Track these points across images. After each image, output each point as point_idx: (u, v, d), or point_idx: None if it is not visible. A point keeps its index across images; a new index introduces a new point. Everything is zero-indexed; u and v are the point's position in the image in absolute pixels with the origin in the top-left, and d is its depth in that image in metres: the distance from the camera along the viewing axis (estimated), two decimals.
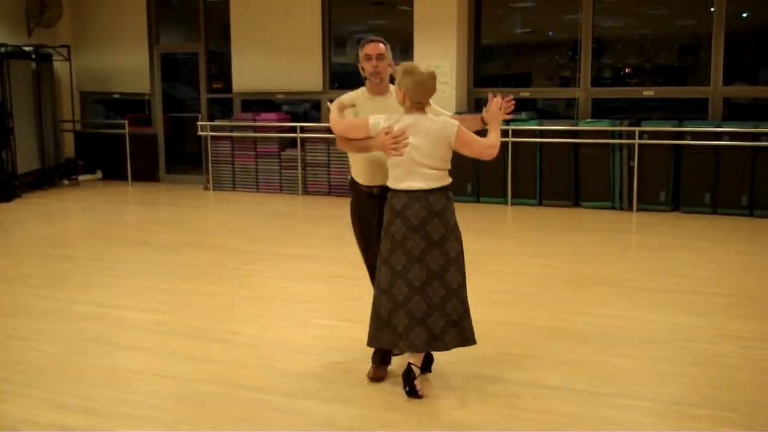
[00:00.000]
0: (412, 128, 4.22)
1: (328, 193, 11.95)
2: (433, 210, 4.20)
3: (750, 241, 8.51)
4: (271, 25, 12.55)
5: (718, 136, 9.75)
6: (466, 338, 4.29)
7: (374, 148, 4.36)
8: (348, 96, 4.64)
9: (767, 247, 8.41)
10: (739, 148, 9.65)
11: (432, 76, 4.24)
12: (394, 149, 4.21)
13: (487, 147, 4.34)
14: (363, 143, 4.42)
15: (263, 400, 4.34)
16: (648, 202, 10.12)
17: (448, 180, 4.32)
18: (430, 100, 4.37)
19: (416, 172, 4.22)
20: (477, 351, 4.59)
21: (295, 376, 4.70)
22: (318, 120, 12.58)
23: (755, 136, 9.59)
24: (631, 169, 10.14)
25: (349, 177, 4.79)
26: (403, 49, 11.89)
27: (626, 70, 12.06)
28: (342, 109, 4.52)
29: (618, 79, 11.92)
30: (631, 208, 10.15)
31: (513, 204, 10.70)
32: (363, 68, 4.58)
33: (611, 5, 11.58)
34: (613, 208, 10.31)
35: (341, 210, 10.54)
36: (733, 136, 9.69)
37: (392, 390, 4.39)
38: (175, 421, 4.11)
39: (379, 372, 4.58)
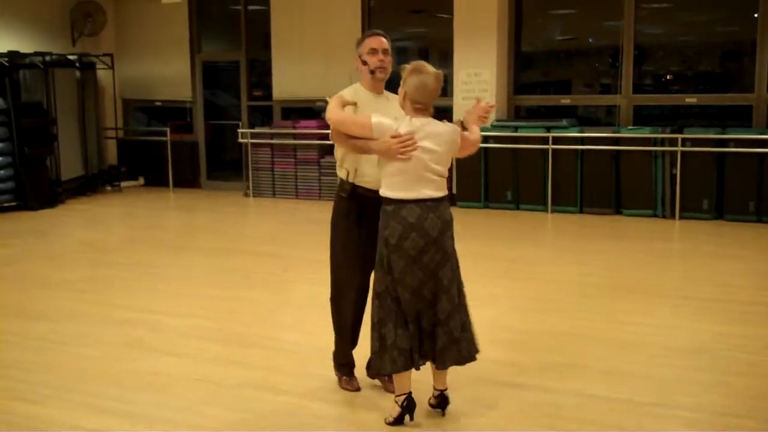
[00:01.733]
0: (423, 132, 3.95)
1: None
2: (446, 221, 4.00)
3: None
4: (311, 33, 12.63)
5: (762, 143, 9.61)
6: (463, 356, 4.08)
7: (375, 151, 4.04)
8: (348, 92, 4.41)
9: None
10: None
11: (438, 78, 3.99)
12: (401, 154, 3.92)
13: (475, 143, 4.23)
14: (361, 143, 4.10)
15: (302, 405, 4.35)
16: (690, 210, 9.98)
17: (446, 189, 4.12)
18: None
19: (426, 179, 3.95)
20: (517, 359, 4.56)
21: (333, 382, 4.70)
22: None
23: None
24: (673, 177, 10.01)
25: (342, 178, 4.44)
26: (442, 57, 11.90)
27: (668, 77, 11.93)
28: (343, 105, 4.27)
29: (659, 86, 11.79)
30: (673, 216, 10.03)
31: (553, 212, 10.62)
32: (365, 62, 4.38)
33: (653, 12, 11.45)
34: (654, 216, 10.19)
35: None
36: None
37: (423, 398, 4.37)
38: (216, 426, 4.13)
39: (353, 383, 4.60)
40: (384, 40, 4.42)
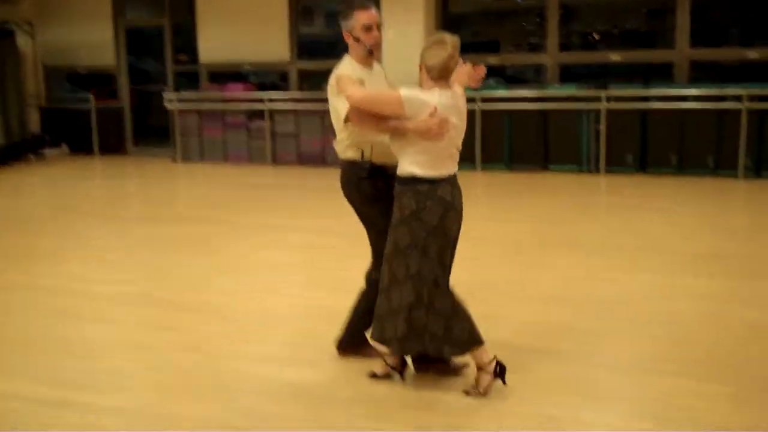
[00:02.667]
0: (452, 108, 3.75)
1: (298, 163, 11.93)
2: (461, 194, 3.88)
3: (714, 201, 8.63)
4: None
5: (683, 98, 9.84)
6: None
7: (412, 131, 3.69)
8: (347, 68, 4.05)
9: (731, 206, 8.56)
10: (704, 110, 9.74)
11: (455, 45, 3.76)
12: (440, 134, 3.68)
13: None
14: (395, 124, 3.72)
15: (233, 368, 4.34)
16: (615, 164, 10.21)
17: None
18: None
19: (452, 155, 3.82)
20: None
21: (266, 344, 4.71)
22: (286, 90, 12.52)
23: (720, 98, 9.67)
24: (598, 133, 10.21)
25: (355, 159, 4.05)
26: None
27: (594, 36, 12.09)
28: (357, 83, 3.90)
29: (586, 45, 11.95)
30: (598, 171, 10.24)
31: (483, 169, 10.74)
32: (358, 39, 4.05)
33: None
34: (581, 170, 10.39)
35: (311, 180, 10.67)
36: (698, 98, 9.78)
37: (361, 359, 4.41)
38: (143, 387, 4.12)
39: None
40: (376, 13, 4.10)
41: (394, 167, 3.86)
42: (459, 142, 3.84)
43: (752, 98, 9.48)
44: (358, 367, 4.22)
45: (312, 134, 11.81)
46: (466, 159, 10.75)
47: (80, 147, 13.74)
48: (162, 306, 5.48)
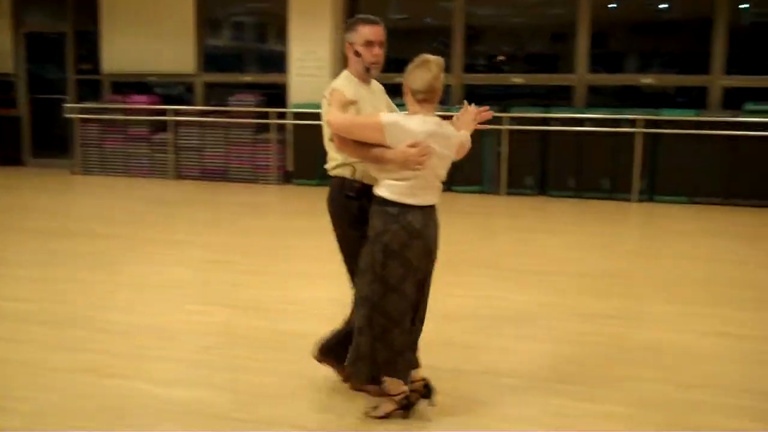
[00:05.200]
0: (438, 135, 3.60)
1: (201, 178, 11.81)
2: (438, 226, 3.77)
3: (610, 223, 8.93)
4: (142, 5, 12.28)
5: (581, 122, 10.15)
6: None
7: (392, 162, 3.56)
8: (343, 83, 3.86)
9: (625, 228, 8.88)
10: (601, 133, 10.07)
11: (439, 65, 3.66)
12: (420, 164, 3.55)
13: (466, 149, 3.89)
14: (376, 154, 3.60)
15: (131, 387, 4.27)
16: (516, 186, 10.45)
17: None
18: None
19: (433, 185, 3.68)
20: None
21: (167, 362, 4.66)
22: (192, 103, 12.40)
23: (616, 123, 10.02)
24: (499, 154, 10.44)
25: (345, 176, 3.87)
26: (279, 33, 11.85)
27: (500, 58, 12.36)
28: (344, 105, 3.72)
29: (492, 67, 12.20)
30: (499, 192, 10.46)
31: None
32: (357, 53, 3.88)
33: None
34: (482, 192, 10.59)
35: (213, 194, 10.57)
36: (595, 122, 10.10)
37: (263, 376, 4.40)
38: (35, 411, 4.01)
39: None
40: (382, 29, 3.92)
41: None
42: (442, 172, 3.69)
43: (646, 123, 9.85)
44: (258, 390, 4.21)
45: (216, 149, 11.73)
46: None
47: None
48: (59, 324, 5.34)
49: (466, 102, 3.97)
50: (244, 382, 4.32)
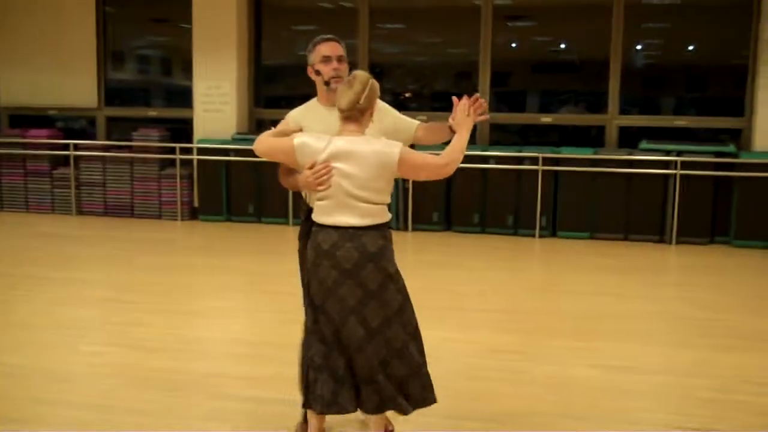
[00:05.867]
0: (345, 154, 3.50)
1: (104, 214, 11.54)
2: (367, 252, 3.51)
3: (514, 259, 9.08)
4: (43, 39, 12.01)
5: (485, 159, 10.33)
6: (423, 398, 3.75)
7: (299, 186, 3.64)
8: (297, 112, 3.93)
9: (528, 264, 9.04)
10: (504, 170, 10.27)
11: (350, 83, 3.57)
12: (320, 185, 3.51)
13: (442, 166, 3.65)
14: (292, 181, 3.71)
15: None
16: (422, 222, 10.55)
17: (387, 217, 3.63)
18: (389, 107, 3.95)
19: (348, 205, 3.51)
20: (244, 372, 4.55)
21: (62, 406, 4.51)
22: (94, 137, 12.15)
23: (519, 160, 10.24)
24: (406, 191, 10.53)
25: (304, 198, 3.87)
26: (185, 67, 11.75)
27: (405, 95, 12.51)
28: (281, 134, 3.71)
29: (398, 105, 12.29)
30: (407, 228, 10.54)
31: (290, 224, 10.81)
32: (318, 72, 3.87)
33: (388, 32, 12.01)
34: (389, 228, 10.61)
35: (116, 231, 10.36)
36: (499, 159, 10.30)
37: (169, 418, 4.31)
38: None
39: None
40: (338, 45, 3.91)
41: None
42: (361, 194, 3.51)
43: (546, 161, 10.09)
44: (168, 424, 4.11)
45: (120, 184, 11.49)
46: (277, 213, 10.82)
47: None
48: None
49: (455, 98, 3.82)
50: (149, 425, 4.21)
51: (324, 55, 3.85)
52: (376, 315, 3.54)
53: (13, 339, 5.79)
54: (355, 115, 3.55)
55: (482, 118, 3.80)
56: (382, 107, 3.88)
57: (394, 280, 3.62)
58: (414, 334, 3.71)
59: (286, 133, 3.69)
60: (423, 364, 3.74)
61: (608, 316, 6.64)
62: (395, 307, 3.60)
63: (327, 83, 3.83)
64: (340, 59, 3.86)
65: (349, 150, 3.50)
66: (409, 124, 4.03)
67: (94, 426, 4.22)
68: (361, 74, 3.59)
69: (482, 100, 3.80)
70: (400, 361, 3.60)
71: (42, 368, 5.13)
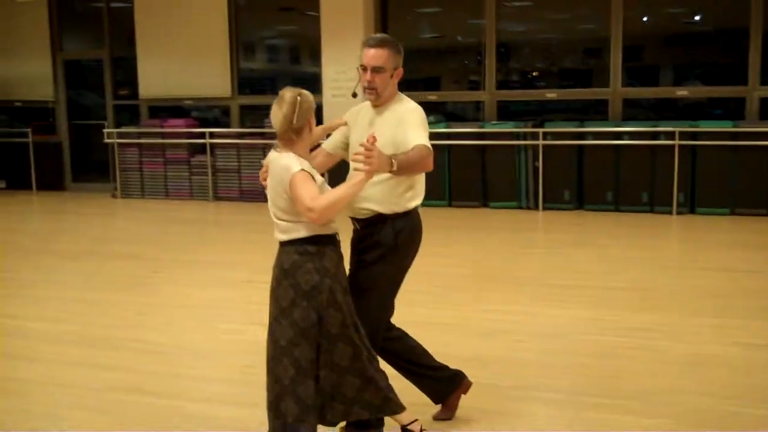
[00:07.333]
0: (269, 169, 3.46)
1: (239, 199, 11.89)
2: (282, 269, 3.44)
3: (648, 237, 8.82)
4: (177, 31, 12.45)
5: (617, 135, 10.06)
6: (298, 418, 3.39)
7: None
8: (349, 111, 3.89)
9: (664, 242, 8.75)
10: (638, 146, 9.98)
11: (277, 102, 3.36)
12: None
13: (307, 210, 3.27)
14: None
15: (170, 406, 4.31)
16: (553, 201, 10.38)
17: (303, 232, 3.40)
18: (411, 117, 3.63)
19: (274, 219, 3.49)
20: None
21: (203, 381, 4.69)
22: (228, 125, 12.53)
23: (653, 135, 9.93)
24: (536, 169, 10.38)
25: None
26: (313, 54, 11.94)
27: (533, 74, 12.33)
28: (330, 129, 3.83)
29: (525, 83, 12.18)
30: (537, 207, 10.39)
31: (423, 206, 10.79)
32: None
33: (515, 10, 11.85)
34: (519, 207, 10.53)
35: (252, 215, 10.62)
36: (632, 135, 10.01)
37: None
38: (78, 429, 4.05)
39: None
40: (378, 53, 3.58)
41: (362, 219, 3.79)
42: (273, 209, 3.46)
43: (683, 135, 9.74)
44: None
45: (254, 169, 11.79)
46: None
47: (18, 182, 13.52)
48: (97, 345, 5.41)
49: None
50: None
51: (362, 63, 3.63)
52: (285, 334, 3.40)
53: (157, 319, 6.05)
54: (291, 136, 3.37)
55: (366, 169, 3.24)
56: (402, 114, 3.65)
57: (305, 297, 3.38)
58: (330, 354, 3.44)
59: (333, 127, 3.78)
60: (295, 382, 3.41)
61: (747, 293, 6.37)
62: (303, 326, 3.37)
63: (364, 90, 3.66)
64: (375, 70, 3.58)
65: (272, 165, 3.42)
66: (406, 142, 3.65)
67: (233, 400, 4.37)
68: (289, 94, 3.34)
69: (367, 145, 3.20)
70: (310, 381, 3.40)
71: (183, 346, 5.35)
